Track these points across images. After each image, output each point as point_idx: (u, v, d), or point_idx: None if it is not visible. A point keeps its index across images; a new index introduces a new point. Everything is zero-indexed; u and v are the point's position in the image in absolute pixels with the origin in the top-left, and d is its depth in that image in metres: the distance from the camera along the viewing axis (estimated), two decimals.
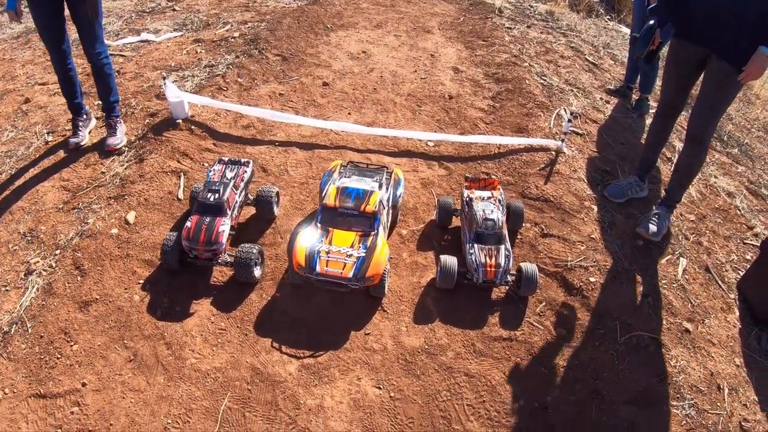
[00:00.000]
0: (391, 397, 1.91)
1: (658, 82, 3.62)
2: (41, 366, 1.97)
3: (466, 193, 2.47)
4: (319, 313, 2.18)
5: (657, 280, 2.49)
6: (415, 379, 1.97)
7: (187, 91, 3.40)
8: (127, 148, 3.06)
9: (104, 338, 2.07)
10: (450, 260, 2.19)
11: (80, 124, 3.12)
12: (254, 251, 2.20)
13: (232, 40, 4.09)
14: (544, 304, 2.29)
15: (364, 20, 4.67)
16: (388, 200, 2.39)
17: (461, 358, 2.05)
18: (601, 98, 3.94)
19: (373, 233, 2.18)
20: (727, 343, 2.32)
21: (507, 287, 2.30)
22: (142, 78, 3.71)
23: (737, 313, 2.49)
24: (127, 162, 2.97)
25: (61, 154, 3.08)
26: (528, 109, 3.46)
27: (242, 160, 2.59)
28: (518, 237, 2.60)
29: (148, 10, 5.09)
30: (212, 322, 2.15)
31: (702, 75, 2.48)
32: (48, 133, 3.24)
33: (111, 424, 1.81)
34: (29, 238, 2.52)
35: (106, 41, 3.15)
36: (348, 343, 2.07)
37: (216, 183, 2.36)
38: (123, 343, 2.06)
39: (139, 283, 2.29)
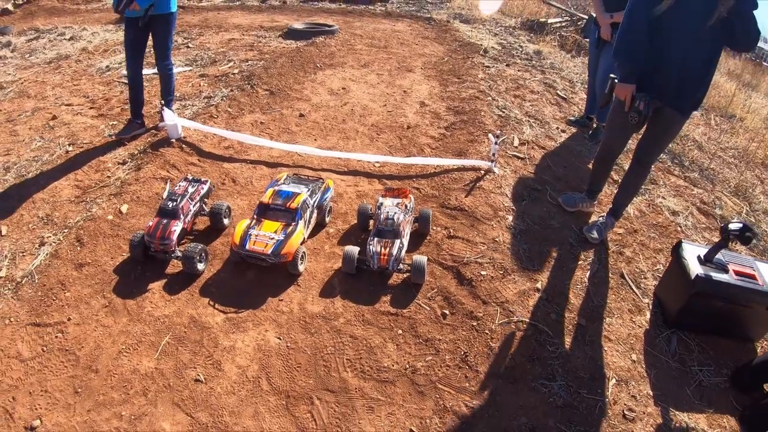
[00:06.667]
0: (287, 346, 2.76)
1: None
2: (40, 305, 2.97)
3: (380, 199, 3.40)
4: (248, 284, 3.13)
5: (559, 281, 3.20)
6: (309, 336, 2.82)
7: (185, 118, 4.64)
8: (130, 160, 4.28)
9: (90, 290, 3.07)
10: (351, 249, 3.12)
11: (133, 126, 4.58)
12: (198, 248, 3.15)
13: (232, 75, 5.38)
14: (435, 290, 3.09)
15: (353, 60, 5.89)
16: (313, 202, 3.38)
17: (350, 324, 2.88)
18: (557, 128, 4.87)
19: (293, 224, 3.16)
20: (626, 340, 2.91)
21: (404, 275, 3.15)
22: (151, 105, 5.01)
23: (648, 316, 3.09)
24: (128, 170, 4.15)
25: (79, 161, 4.29)
26: (474, 136, 4.45)
27: (202, 179, 3.63)
28: (427, 239, 3.47)
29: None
30: (170, 285, 3.12)
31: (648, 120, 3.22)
32: (69, 145, 4.52)
33: (82, 347, 2.76)
34: (45, 221, 3.64)
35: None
36: (264, 306, 2.98)
37: (175, 194, 3.39)
38: (103, 294, 3.04)
39: (122, 255, 3.31)
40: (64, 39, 8.29)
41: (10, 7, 11.66)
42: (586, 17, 7.05)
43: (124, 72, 6.06)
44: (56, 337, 2.80)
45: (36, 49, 7.90)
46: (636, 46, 3.02)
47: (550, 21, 10.69)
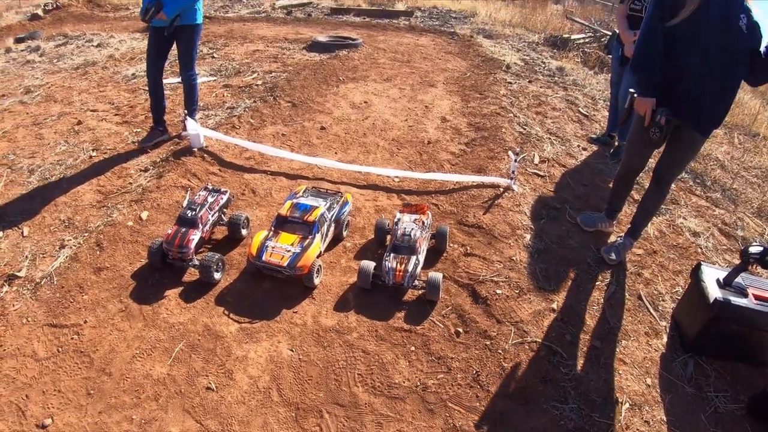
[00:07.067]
0: (299, 358, 2.83)
1: None
2: (58, 306, 3.09)
3: (398, 215, 3.47)
4: (263, 295, 3.20)
5: (575, 301, 3.24)
6: (321, 349, 2.88)
7: (207, 127, 4.80)
8: (152, 167, 4.44)
9: (107, 294, 3.18)
10: (367, 264, 3.17)
11: (154, 134, 4.73)
12: (215, 258, 3.24)
13: (255, 87, 5.57)
14: (450, 308, 3.14)
15: (376, 74, 6.04)
16: (331, 216, 3.47)
17: (363, 339, 2.94)
18: (578, 145, 4.93)
19: (310, 237, 3.24)
20: (642, 364, 2.93)
21: (419, 292, 3.21)
22: (175, 113, 5.19)
23: (665, 340, 3.11)
24: (150, 177, 4.30)
25: (102, 167, 4.46)
26: (494, 153, 4.53)
27: (221, 189, 3.74)
28: (443, 255, 3.53)
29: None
30: (186, 293, 3.21)
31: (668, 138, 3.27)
32: (93, 150, 4.70)
33: (97, 349, 2.85)
34: (67, 224, 3.78)
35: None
36: (278, 317, 3.05)
37: (195, 203, 3.49)
38: (120, 299, 3.15)
39: (141, 261, 3.43)
40: (92, 46, 8.63)
41: (40, 12, 12.16)
42: (610, 33, 7.18)
43: None
44: (72, 338, 2.91)
45: (64, 55, 8.23)
46: (652, 60, 3.06)
47: (573, 37, 10.84)
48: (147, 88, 6.00)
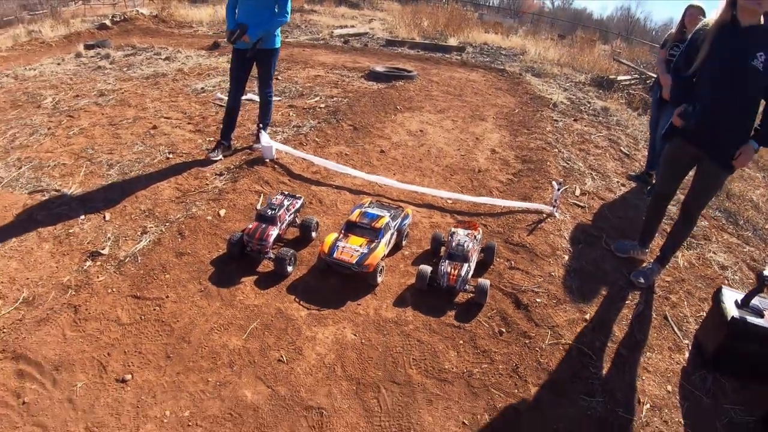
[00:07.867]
0: (361, 342, 3.29)
1: None
2: (141, 282, 3.60)
3: (452, 229, 4.00)
4: (330, 288, 3.70)
5: (606, 315, 3.66)
6: (382, 336, 3.35)
7: (276, 141, 5.45)
8: (226, 172, 5.07)
9: (187, 275, 3.70)
10: (425, 267, 3.68)
11: (221, 147, 5.35)
12: (289, 252, 3.79)
13: (318, 109, 6.25)
14: (495, 311, 3.60)
15: (430, 105, 6.69)
16: (394, 225, 4.00)
17: (418, 331, 3.40)
18: (618, 181, 5.45)
19: (376, 241, 3.77)
20: (664, 373, 3.21)
21: (469, 296, 3.68)
22: (245, 127, 5.88)
23: (686, 356, 3.47)
24: (225, 180, 4.91)
25: (178, 167, 5.09)
26: (539, 184, 5.08)
27: (296, 195, 4.34)
28: (490, 268, 4.02)
29: (256, 76, 7.57)
30: (260, 281, 3.72)
31: (695, 168, 3.76)
32: (169, 153, 5.37)
33: (177, 320, 3.33)
34: (147, 214, 4.35)
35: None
36: (344, 307, 3.54)
37: (274, 204, 4.07)
38: (199, 281, 3.66)
39: (219, 251, 3.96)
40: (160, 58, 9.53)
41: (107, 22, 13.31)
42: (655, 76, 7.75)
43: (218, 95, 7.05)
44: (154, 309, 3.41)
45: (133, 64, 9.11)
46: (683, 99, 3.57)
47: (619, 78, 11.39)
48: (216, 102, 6.77)
